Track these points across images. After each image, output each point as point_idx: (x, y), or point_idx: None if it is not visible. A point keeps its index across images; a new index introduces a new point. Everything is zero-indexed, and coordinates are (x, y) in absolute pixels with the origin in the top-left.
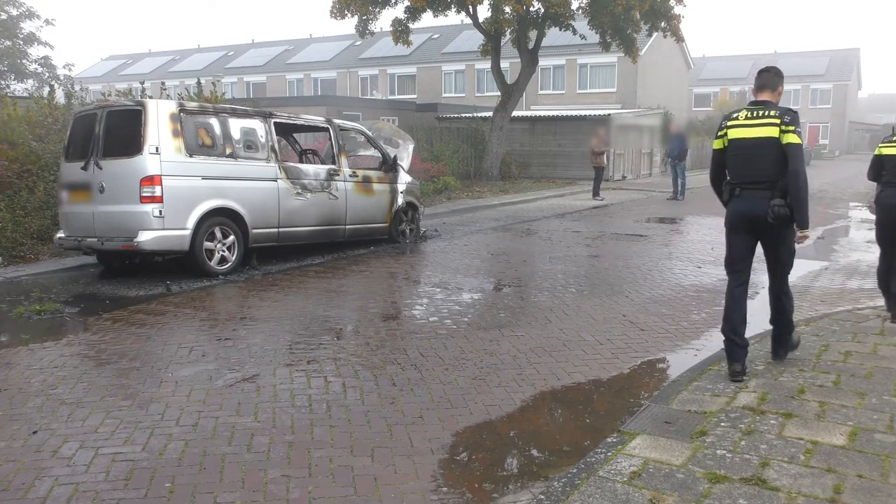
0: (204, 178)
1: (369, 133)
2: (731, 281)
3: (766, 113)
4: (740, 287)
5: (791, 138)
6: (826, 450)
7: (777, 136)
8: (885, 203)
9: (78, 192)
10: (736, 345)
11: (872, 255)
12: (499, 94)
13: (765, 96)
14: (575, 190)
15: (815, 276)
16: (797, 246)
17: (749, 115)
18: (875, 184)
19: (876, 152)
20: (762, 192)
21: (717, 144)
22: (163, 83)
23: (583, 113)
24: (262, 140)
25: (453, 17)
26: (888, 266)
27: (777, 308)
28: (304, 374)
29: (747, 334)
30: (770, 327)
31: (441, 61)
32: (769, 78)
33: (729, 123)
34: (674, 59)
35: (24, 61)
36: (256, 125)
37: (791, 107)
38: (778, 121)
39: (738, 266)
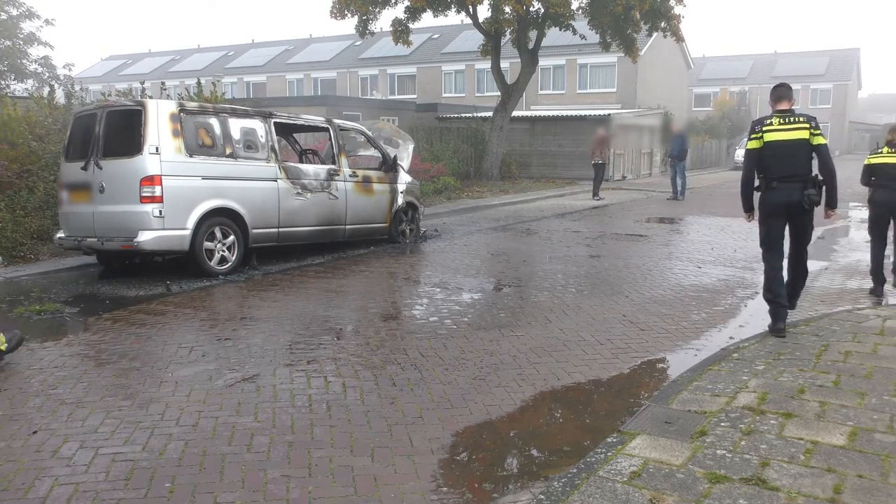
0: (204, 178)
1: (369, 133)
2: (770, 257)
3: (797, 119)
4: (780, 260)
5: (820, 140)
6: (826, 450)
7: (808, 138)
8: (876, 202)
9: (78, 192)
10: (781, 306)
11: None
12: (499, 94)
13: (786, 105)
14: (575, 190)
15: (815, 276)
16: (828, 221)
17: (781, 122)
18: (867, 188)
19: (866, 162)
20: (796, 184)
21: (754, 145)
22: (163, 83)
23: (583, 113)
24: (262, 140)
25: (453, 17)
26: (880, 251)
27: (799, 269)
28: (304, 374)
29: (746, 334)
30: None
31: (441, 61)
32: (786, 90)
33: (764, 128)
34: (674, 59)
35: (24, 61)
36: (256, 125)
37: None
38: (807, 126)
39: (777, 244)
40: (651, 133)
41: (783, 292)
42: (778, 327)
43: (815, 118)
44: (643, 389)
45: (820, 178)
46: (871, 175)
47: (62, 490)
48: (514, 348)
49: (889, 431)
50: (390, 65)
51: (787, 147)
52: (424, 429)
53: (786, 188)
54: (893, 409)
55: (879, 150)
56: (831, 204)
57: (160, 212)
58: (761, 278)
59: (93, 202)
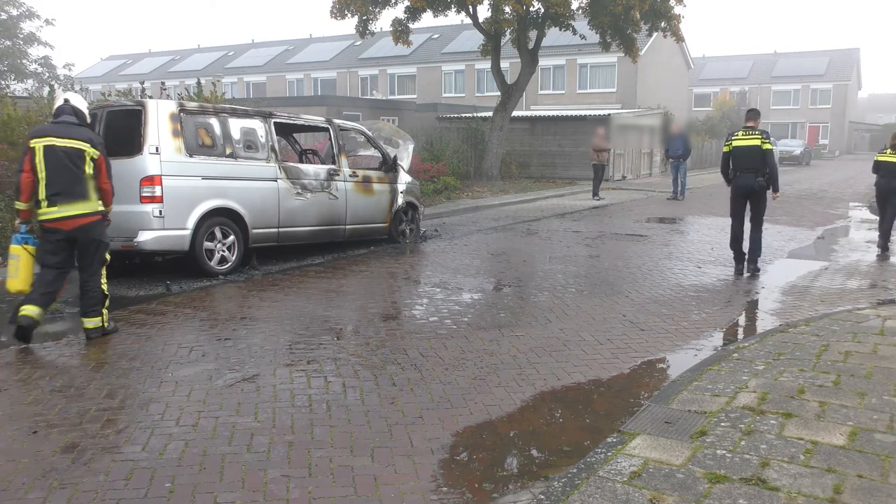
0: (204, 178)
1: (369, 133)
2: (733, 223)
3: (753, 133)
4: (739, 226)
5: (767, 146)
6: (826, 450)
7: (759, 144)
8: (879, 186)
9: None
10: (739, 254)
11: (872, 255)
12: (499, 94)
13: (751, 123)
14: (575, 190)
15: (816, 276)
16: (773, 203)
17: (744, 134)
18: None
19: (875, 158)
20: (751, 175)
21: (726, 149)
22: (163, 83)
23: (583, 113)
24: (262, 140)
25: (453, 17)
26: (889, 220)
27: (754, 240)
28: (304, 374)
29: (747, 334)
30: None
31: (441, 61)
32: (753, 114)
33: (733, 138)
34: (674, 59)
35: (24, 61)
36: (256, 125)
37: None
38: (760, 137)
39: (738, 214)
40: (651, 133)
41: (740, 246)
42: (738, 269)
43: (767, 132)
44: (643, 389)
45: (767, 171)
46: (878, 168)
47: (62, 490)
48: (514, 348)
49: (889, 431)
50: (390, 65)
51: (746, 150)
52: (424, 429)
53: (744, 177)
54: (893, 409)
55: (885, 150)
56: (775, 188)
57: (160, 212)
58: (761, 278)
59: None
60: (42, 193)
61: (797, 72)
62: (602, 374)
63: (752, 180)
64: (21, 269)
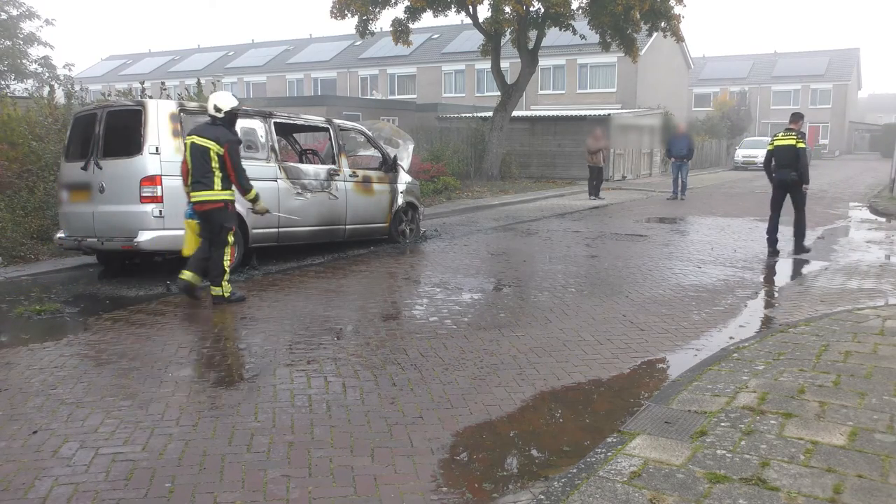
0: None
1: (369, 133)
2: (771, 213)
3: (792, 134)
4: (776, 217)
5: (801, 145)
6: (826, 450)
7: (794, 143)
8: None
9: (78, 192)
10: (773, 242)
11: (872, 255)
12: (499, 94)
13: (792, 126)
14: (575, 190)
15: (816, 276)
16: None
17: (784, 135)
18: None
19: None
20: (787, 170)
21: (770, 147)
22: (163, 83)
23: (583, 113)
24: (262, 140)
25: (453, 17)
26: None
27: (797, 224)
28: (304, 374)
29: (746, 334)
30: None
31: (441, 61)
32: (796, 117)
33: (775, 138)
34: (674, 59)
35: (24, 61)
36: (256, 125)
37: (803, 130)
38: (796, 137)
39: (775, 205)
40: (651, 133)
41: (776, 236)
42: (771, 252)
43: (804, 133)
44: (643, 389)
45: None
46: None
47: (62, 490)
48: (514, 348)
49: (889, 431)
50: (390, 65)
51: (784, 149)
52: (424, 429)
53: (783, 172)
54: (893, 409)
55: None
56: (804, 181)
57: (160, 212)
58: (761, 278)
59: (93, 202)
60: (190, 180)
61: (797, 72)
62: (602, 374)
63: (787, 174)
64: (187, 238)
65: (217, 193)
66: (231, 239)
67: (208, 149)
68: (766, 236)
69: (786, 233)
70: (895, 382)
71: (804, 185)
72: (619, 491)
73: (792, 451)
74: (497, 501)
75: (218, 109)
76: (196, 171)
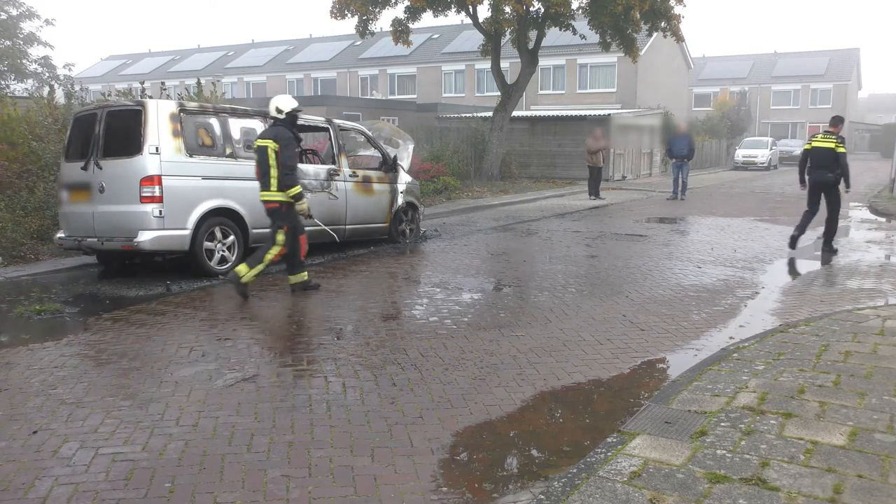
0: (204, 178)
1: (369, 133)
2: (807, 211)
3: (831, 137)
4: (811, 216)
5: (841, 149)
6: (826, 450)
7: (833, 147)
8: None
9: (78, 192)
10: (796, 237)
11: (872, 255)
12: (499, 94)
13: (831, 129)
14: (575, 190)
15: (816, 276)
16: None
17: (823, 137)
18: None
19: None
20: (823, 171)
21: (807, 147)
22: (163, 83)
23: (583, 113)
24: None
25: (453, 17)
26: None
27: (829, 226)
28: (304, 374)
29: (746, 334)
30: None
31: (441, 61)
32: (836, 121)
33: (813, 140)
34: (674, 59)
35: (24, 61)
36: (256, 125)
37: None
38: (834, 140)
39: (812, 205)
40: (651, 133)
41: (803, 231)
42: (792, 244)
43: (843, 137)
44: (643, 389)
45: (839, 170)
46: None
47: (62, 490)
48: (514, 348)
49: (889, 431)
50: (390, 65)
51: (822, 151)
52: (424, 429)
53: (818, 173)
54: (893, 409)
55: None
56: (847, 183)
57: (160, 212)
58: (761, 278)
59: (93, 202)
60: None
61: (797, 72)
62: (602, 374)
63: (824, 176)
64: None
65: (273, 195)
66: (281, 238)
67: (266, 147)
68: (794, 233)
69: (789, 232)
70: (895, 382)
71: (846, 189)
72: (619, 491)
73: (792, 451)
74: (497, 501)
75: (279, 111)
76: (261, 171)
